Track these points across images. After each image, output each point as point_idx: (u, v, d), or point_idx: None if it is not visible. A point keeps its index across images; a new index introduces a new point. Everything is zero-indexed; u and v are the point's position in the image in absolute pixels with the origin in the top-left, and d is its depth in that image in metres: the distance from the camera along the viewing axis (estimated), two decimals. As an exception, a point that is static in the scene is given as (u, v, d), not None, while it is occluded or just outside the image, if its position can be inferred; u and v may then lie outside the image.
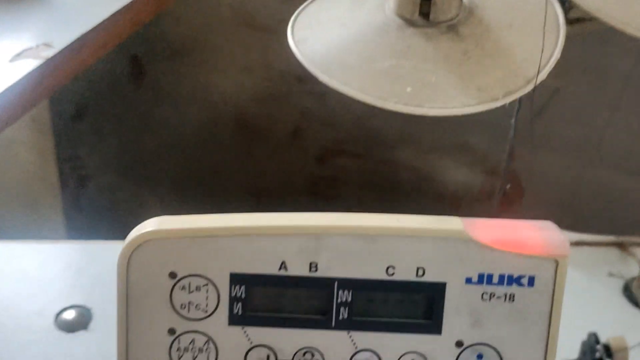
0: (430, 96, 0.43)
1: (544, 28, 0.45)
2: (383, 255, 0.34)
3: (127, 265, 0.34)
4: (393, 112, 0.42)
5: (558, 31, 0.46)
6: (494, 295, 0.34)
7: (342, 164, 1.35)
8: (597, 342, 0.65)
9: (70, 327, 0.68)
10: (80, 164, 1.39)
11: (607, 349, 0.64)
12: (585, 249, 0.83)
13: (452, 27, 0.46)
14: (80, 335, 0.67)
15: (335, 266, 0.34)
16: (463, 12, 0.46)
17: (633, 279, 0.76)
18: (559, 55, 0.45)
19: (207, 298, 0.34)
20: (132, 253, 0.34)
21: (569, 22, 0.47)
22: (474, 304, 0.34)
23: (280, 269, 0.34)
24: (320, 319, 0.35)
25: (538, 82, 0.46)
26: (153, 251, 0.34)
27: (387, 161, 1.32)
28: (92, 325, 0.68)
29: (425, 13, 0.46)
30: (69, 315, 0.69)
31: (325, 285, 0.34)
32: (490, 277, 0.34)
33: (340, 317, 0.35)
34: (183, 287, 0.34)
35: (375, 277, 0.34)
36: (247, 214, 0.35)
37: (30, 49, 0.69)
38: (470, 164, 1.25)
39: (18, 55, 0.68)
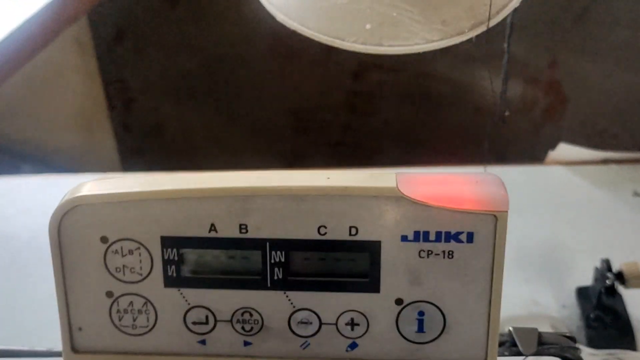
0: (391, 33, 0.41)
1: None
2: (313, 215, 0.33)
3: (59, 230, 0.34)
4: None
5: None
6: (431, 253, 0.33)
7: (379, 78, 1.32)
8: (610, 268, 0.62)
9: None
10: (125, 86, 1.41)
11: (620, 275, 0.62)
12: (612, 167, 0.80)
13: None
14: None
15: (265, 227, 0.33)
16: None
17: (657, 199, 0.73)
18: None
19: (140, 261, 0.34)
20: (62, 218, 0.34)
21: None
22: (411, 261, 0.33)
23: (210, 231, 0.33)
24: (256, 280, 0.34)
25: (511, 8, 0.42)
26: (83, 216, 0.34)
27: (424, 74, 1.28)
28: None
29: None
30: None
31: (256, 247, 0.33)
32: (426, 234, 0.33)
33: (275, 277, 0.34)
34: (116, 251, 0.34)
35: (307, 237, 0.33)
36: (175, 175, 0.34)
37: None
38: (509, 73, 1.20)
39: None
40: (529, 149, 1.25)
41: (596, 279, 0.64)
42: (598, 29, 1.15)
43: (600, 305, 0.63)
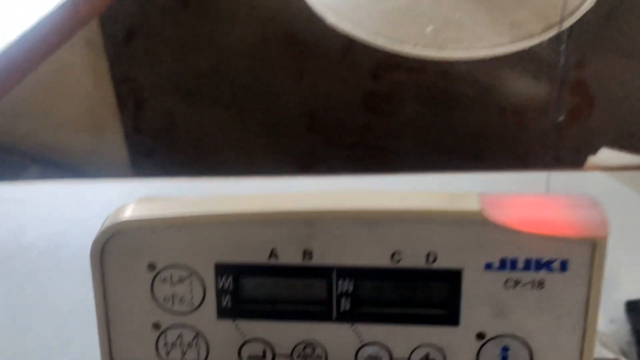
0: (455, 36, 0.37)
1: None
2: (387, 240, 0.29)
3: (101, 257, 0.30)
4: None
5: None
6: (519, 283, 0.29)
7: (398, 78, 1.28)
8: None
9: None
10: (136, 86, 1.37)
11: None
12: (654, 173, 0.76)
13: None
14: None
15: (332, 253, 0.30)
16: None
17: None
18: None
19: (191, 290, 0.31)
20: (105, 243, 0.30)
21: None
22: (496, 292, 0.30)
23: (270, 257, 0.30)
24: (320, 311, 0.31)
25: (584, 10, 0.39)
26: (128, 241, 0.30)
27: (444, 73, 1.24)
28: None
29: None
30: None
31: (321, 275, 0.30)
32: (514, 262, 0.29)
33: (342, 308, 0.30)
34: (164, 280, 0.31)
35: (378, 264, 0.30)
36: (230, 197, 0.31)
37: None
38: (534, 73, 1.17)
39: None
40: (552, 151, 1.22)
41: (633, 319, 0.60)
42: (628, 27, 1.12)
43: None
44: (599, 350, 0.36)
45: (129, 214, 0.30)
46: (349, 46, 1.28)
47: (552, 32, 0.37)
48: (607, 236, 0.29)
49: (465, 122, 1.27)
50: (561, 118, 0.53)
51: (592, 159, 0.78)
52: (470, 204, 0.29)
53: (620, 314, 0.64)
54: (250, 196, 0.30)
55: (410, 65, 1.27)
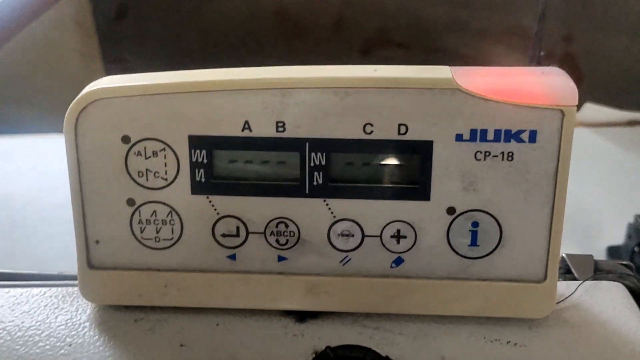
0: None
1: None
2: (359, 111, 0.30)
3: (75, 129, 0.31)
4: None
5: None
6: (489, 154, 0.30)
7: (388, 54, 1.28)
8: (644, 224, 0.59)
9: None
10: (126, 66, 1.37)
11: (655, 230, 0.59)
12: (638, 128, 0.77)
13: None
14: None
15: (305, 125, 0.30)
16: None
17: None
18: None
19: (165, 164, 0.31)
20: (79, 115, 0.30)
21: None
22: (466, 164, 0.30)
23: (243, 129, 0.30)
24: (293, 186, 0.31)
25: None
26: (102, 112, 0.30)
27: (434, 49, 1.25)
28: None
29: None
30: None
31: (294, 147, 0.30)
32: (484, 132, 0.30)
33: (315, 182, 0.31)
34: (138, 153, 0.31)
35: (351, 136, 0.30)
36: (205, 70, 0.31)
37: None
38: (523, 49, 1.17)
39: None
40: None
41: (629, 236, 0.61)
42: (613, 1, 1.12)
43: (633, 262, 0.60)
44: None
45: (103, 84, 0.31)
46: (339, 22, 1.28)
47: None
48: (575, 106, 0.29)
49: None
50: (542, 53, 0.53)
51: (577, 115, 0.78)
52: (441, 73, 0.29)
53: (603, 259, 0.64)
54: (225, 70, 0.31)
55: (400, 41, 1.27)
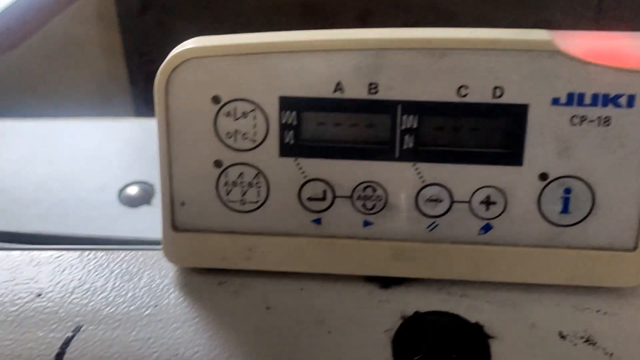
0: None
1: None
2: (454, 73, 0.29)
3: (166, 89, 0.30)
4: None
5: None
6: (585, 119, 0.29)
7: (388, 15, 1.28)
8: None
9: (133, 202, 0.67)
10: (148, 60, 1.37)
11: None
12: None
13: None
14: (144, 209, 0.66)
15: (398, 87, 0.30)
16: None
17: None
18: None
19: (254, 126, 0.31)
20: (170, 75, 0.30)
21: None
22: (561, 129, 0.30)
23: (335, 91, 0.30)
24: (382, 149, 0.31)
25: None
26: (193, 72, 0.30)
27: (434, 9, 1.24)
28: (155, 200, 0.67)
29: None
30: (132, 190, 0.68)
31: (386, 109, 0.30)
32: (581, 96, 0.29)
33: (405, 146, 0.30)
34: (228, 113, 0.31)
35: (444, 99, 0.30)
36: (298, 31, 0.31)
37: None
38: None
39: None
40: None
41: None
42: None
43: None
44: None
45: (194, 44, 0.30)
46: (364, 16, 1.28)
47: None
48: (677, 70, 0.29)
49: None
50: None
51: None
52: (541, 35, 0.29)
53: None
54: (318, 31, 0.30)
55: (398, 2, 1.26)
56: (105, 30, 1.36)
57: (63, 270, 0.32)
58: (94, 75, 1.37)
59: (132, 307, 0.31)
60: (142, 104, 1.39)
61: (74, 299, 0.31)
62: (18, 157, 0.80)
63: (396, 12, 1.26)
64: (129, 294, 0.31)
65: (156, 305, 0.31)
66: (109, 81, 1.39)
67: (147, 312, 0.30)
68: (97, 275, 0.32)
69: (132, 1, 1.32)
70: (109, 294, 0.31)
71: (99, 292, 0.31)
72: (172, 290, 0.31)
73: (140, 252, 0.34)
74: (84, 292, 0.31)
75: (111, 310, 0.30)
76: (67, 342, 0.29)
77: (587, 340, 0.30)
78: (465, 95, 0.30)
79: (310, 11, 1.28)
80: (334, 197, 0.31)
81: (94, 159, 0.77)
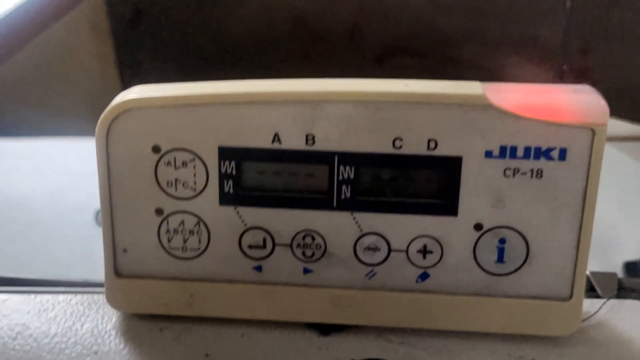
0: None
1: None
2: (388, 125, 0.30)
3: (107, 138, 0.31)
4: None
5: None
6: (518, 171, 0.30)
7: (403, 63, 1.28)
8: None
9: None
10: (141, 69, 1.38)
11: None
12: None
13: None
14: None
15: (334, 138, 0.30)
16: None
17: None
18: None
19: (195, 175, 0.31)
20: (110, 124, 0.31)
21: None
22: (495, 181, 0.30)
23: (273, 141, 0.30)
24: (320, 198, 0.31)
25: None
26: (134, 122, 0.31)
27: (450, 59, 1.25)
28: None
29: None
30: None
31: (324, 160, 0.30)
32: (514, 149, 0.30)
33: (342, 196, 0.31)
34: (168, 163, 0.31)
35: (380, 150, 0.30)
36: (236, 81, 0.31)
37: None
38: (540, 61, 1.17)
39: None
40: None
41: (647, 252, 0.60)
42: (631, 14, 1.12)
43: (651, 279, 0.60)
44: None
45: (135, 94, 0.31)
46: (355, 30, 1.28)
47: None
48: (606, 124, 0.29)
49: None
50: (565, 67, 0.53)
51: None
52: (473, 89, 0.30)
53: (619, 275, 0.64)
54: (256, 81, 0.31)
55: (415, 49, 1.27)
56: (98, 40, 1.37)
57: (8, 315, 0.33)
58: (87, 85, 1.37)
59: (73, 354, 0.31)
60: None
61: (16, 345, 0.31)
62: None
63: (386, 27, 1.26)
64: (71, 340, 0.32)
65: (96, 352, 0.31)
66: (102, 90, 1.40)
67: (87, 359, 0.31)
68: (41, 319, 0.33)
69: (125, 11, 1.33)
70: (51, 339, 0.32)
71: (42, 338, 0.32)
72: (113, 336, 0.32)
73: (85, 296, 0.34)
74: (26, 338, 0.32)
75: (53, 357, 0.31)
76: (5, 390, 0.29)
77: (519, 390, 0.30)
78: (400, 147, 0.30)
79: (300, 26, 1.29)
80: (274, 245, 0.32)
81: (72, 177, 0.77)
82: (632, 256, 0.64)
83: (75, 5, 1.01)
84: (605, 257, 0.66)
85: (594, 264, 0.66)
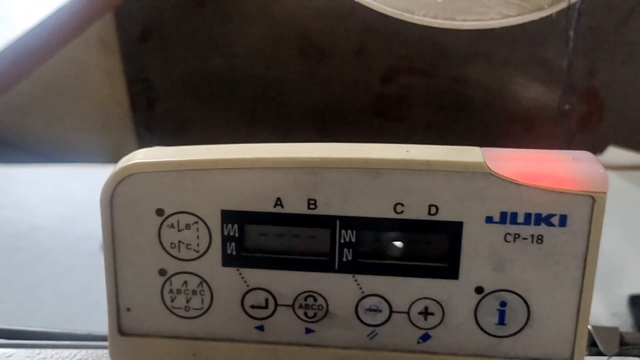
0: (464, 7, 0.38)
1: None
2: (389, 191, 0.30)
3: (111, 201, 0.31)
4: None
5: None
6: (518, 237, 0.30)
7: (409, 82, 1.29)
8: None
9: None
10: (149, 86, 1.39)
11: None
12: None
13: None
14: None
15: (336, 203, 0.30)
16: None
17: None
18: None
19: (198, 237, 0.31)
20: (115, 187, 0.31)
21: None
22: (496, 245, 0.30)
23: (275, 206, 0.31)
24: (322, 261, 0.31)
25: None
26: (138, 186, 0.31)
27: (455, 79, 1.25)
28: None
29: None
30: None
31: (325, 224, 0.31)
32: (514, 215, 0.30)
33: (344, 258, 0.31)
34: (172, 225, 0.31)
35: (381, 215, 0.30)
36: (239, 145, 0.31)
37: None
38: (545, 80, 1.17)
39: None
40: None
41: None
42: (638, 35, 1.12)
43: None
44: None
45: (140, 159, 0.31)
46: (361, 49, 1.29)
47: (561, 6, 0.38)
48: (606, 192, 0.29)
49: (475, 127, 1.27)
50: (567, 107, 0.53)
51: (600, 158, 0.78)
52: (473, 157, 0.30)
53: (624, 308, 0.64)
54: (258, 145, 0.31)
55: (421, 69, 1.28)
56: (107, 56, 1.38)
57: (13, 372, 0.33)
58: (95, 99, 1.39)
59: (77, 414, 0.31)
60: (144, 129, 1.40)
61: (21, 404, 0.32)
62: (5, 203, 0.81)
63: (392, 47, 1.27)
64: (75, 399, 0.32)
65: (100, 412, 0.31)
66: (110, 106, 1.41)
67: (91, 418, 0.31)
68: (46, 377, 0.33)
69: (133, 28, 1.34)
70: (56, 398, 0.32)
71: (46, 396, 0.32)
72: (117, 395, 0.32)
73: (90, 351, 0.34)
74: (31, 397, 0.32)
75: (57, 417, 0.31)
76: None
77: None
78: (401, 212, 0.30)
79: (307, 45, 1.30)
80: (276, 305, 0.32)
81: (79, 206, 0.78)
82: (637, 289, 0.64)
83: (89, 24, 1.02)
84: (610, 289, 0.66)
85: (598, 297, 0.67)
